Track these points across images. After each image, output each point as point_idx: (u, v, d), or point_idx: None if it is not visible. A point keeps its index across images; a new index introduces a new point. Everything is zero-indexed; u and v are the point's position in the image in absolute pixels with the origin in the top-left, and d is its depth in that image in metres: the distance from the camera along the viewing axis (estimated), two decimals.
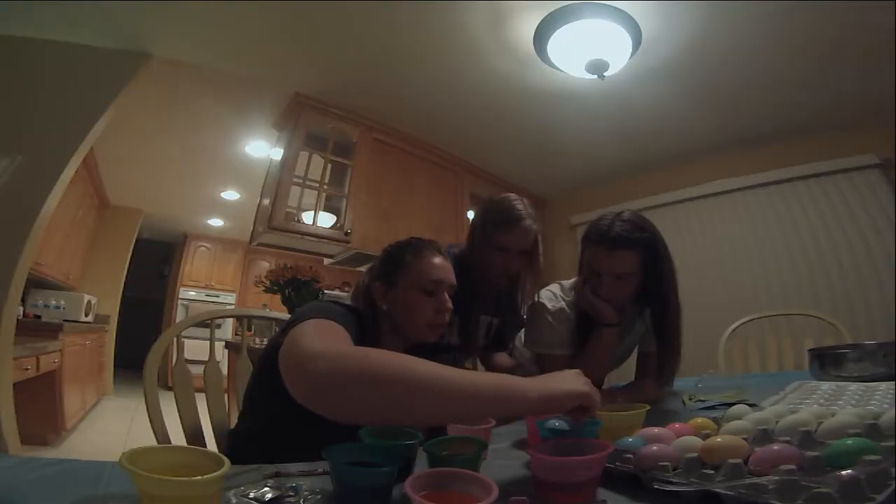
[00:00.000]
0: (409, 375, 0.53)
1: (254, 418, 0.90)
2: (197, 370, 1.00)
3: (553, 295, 1.26)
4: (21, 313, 3.22)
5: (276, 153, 2.93)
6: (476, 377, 0.57)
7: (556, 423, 0.63)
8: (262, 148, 3.36)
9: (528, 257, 1.20)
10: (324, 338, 0.67)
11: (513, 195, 1.22)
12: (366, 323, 0.93)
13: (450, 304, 0.96)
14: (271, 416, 0.86)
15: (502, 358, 1.41)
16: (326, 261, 3.38)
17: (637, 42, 2.14)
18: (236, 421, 0.95)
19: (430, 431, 0.70)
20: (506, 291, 1.29)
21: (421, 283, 0.95)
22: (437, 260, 0.98)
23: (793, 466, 0.46)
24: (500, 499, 0.41)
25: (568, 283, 1.30)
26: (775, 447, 0.51)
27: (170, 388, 1.02)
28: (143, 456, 0.40)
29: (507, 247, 1.16)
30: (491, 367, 1.38)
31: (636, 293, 1.15)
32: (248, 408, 0.92)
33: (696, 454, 0.53)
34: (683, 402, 1.04)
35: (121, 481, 0.49)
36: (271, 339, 0.96)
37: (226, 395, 1.17)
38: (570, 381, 0.61)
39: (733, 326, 1.87)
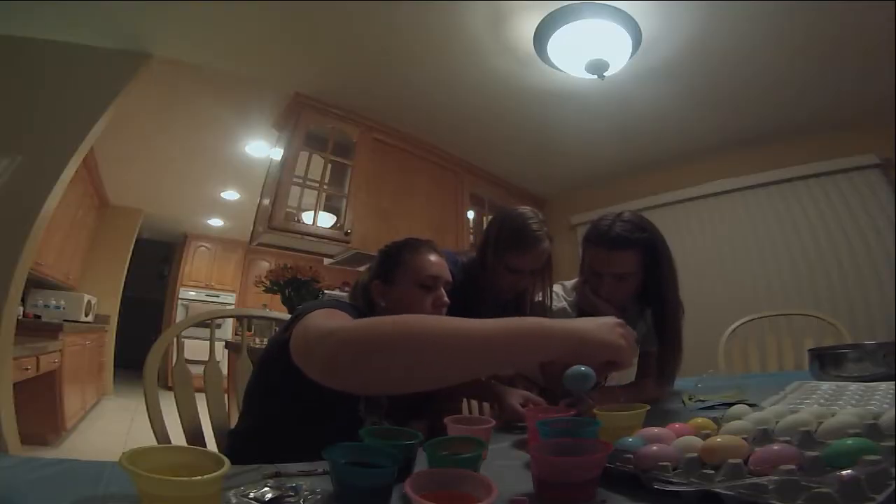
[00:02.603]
0: (422, 332, 0.53)
1: (254, 418, 0.90)
2: (197, 370, 1.00)
3: (555, 295, 1.26)
4: (21, 313, 3.21)
5: (276, 153, 2.93)
6: (495, 323, 0.55)
7: (582, 368, 0.59)
8: (262, 148, 3.36)
9: (540, 275, 1.19)
10: (335, 319, 0.67)
11: (528, 211, 1.17)
12: None
13: (446, 299, 0.98)
14: (271, 416, 0.86)
15: None
16: (326, 261, 3.38)
17: (637, 42, 2.14)
18: (236, 421, 0.95)
19: (430, 431, 0.70)
20: (512, 299, 1.27)
21: (418, 278, 0.96)
22: (434, 257, 0.99)
23: (793, 466, 0.46)
24: (500, 499, 0.41)
25: (570, 283, 1.30)
26: (775, 447, 0.51)
27: (170, 388, 1.02)
28: (143, 456, 0.40)
29: (519, 269, 1.13)
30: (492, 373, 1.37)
31: (637, 293, 1.15)
32: (247, 407, 0.93)
33: (696, 454, 0.52)
34: (683, 402, 1.04)
35: (121, 481, 0.49)
36: (272, 338, 0.96)
37: (226, 395, 1.17)
38: (604, 329, 0.56)
39: (733, 326, 1.87)
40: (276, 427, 0.84)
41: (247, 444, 0.86)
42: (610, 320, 0.59)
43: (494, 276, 1.15)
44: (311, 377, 0.58)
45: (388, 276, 0.99)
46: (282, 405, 0.85)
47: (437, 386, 0.57)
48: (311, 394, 0.78)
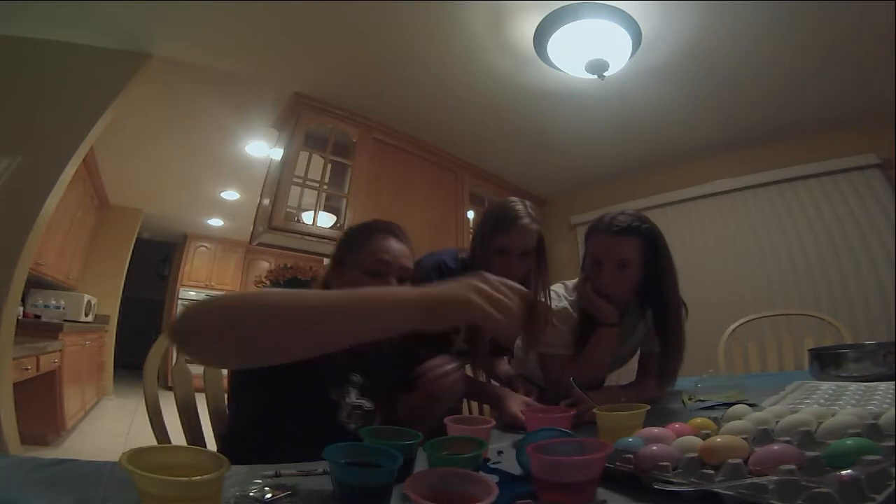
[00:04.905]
0: (267, 301, 0.52)
1: (233, 418, 0.90)
2: (197, 370, 1.00)
3: (556, 295, 1.25)
4: (21, 313, 3.21)
5: (276, 153, 2.93)
6: (344, 291, 0.54)
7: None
8: (262, 148, 3.36)
9: (532, 260, 1.17)
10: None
11: (513, 197, 1.20)
12: None
13: None
14: (246, 412, 0.87)
15: (502, 365, 1.40)
16: (326, 261, 3.37)
17: (637, 42, 2.14)
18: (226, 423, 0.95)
19: (429, 432, 0.70)
20: None
21: (367, 264, 0.88)
22: (389, 242, 0.90)
23: (793, 466, 0.46)
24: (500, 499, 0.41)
25: (571, 283, 1.30)
26: (775, 447, 0.51)
27: (170, 388, 1.02)
28: (143, 456, 0.40)
29: (506, 248, 1.13)
30: (492, 374, 1.37)
31: (636, 290, 1.15)
32: (232, 408, 0.93)
33: (696, 454, 0.53)
34: (683, 402, 1.04)
35: (121, 481, 0.49)
36: None
37: (226, 395, 1.17)
38: (455, 286, 0.52)
39: (733, 326, 1.87)
40: (254, 423, 0.84)
41: (232, 446, 0.85)
42: (469, 278, 0.54)
43: (487, 264, 1.14)
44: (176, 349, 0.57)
45: (341, 259, 0.93)
46: (253, 399, 0.86)
47: (291, 357, 0.54)
48: (274, 382, 0.78)
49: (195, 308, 0.52)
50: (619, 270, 1.10)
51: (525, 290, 0.56)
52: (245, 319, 0.51)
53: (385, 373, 0.95)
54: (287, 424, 0.80)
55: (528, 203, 1.18)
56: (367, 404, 0.89)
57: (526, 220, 1.13)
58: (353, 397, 0.87)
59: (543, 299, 1.21)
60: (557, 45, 2.13)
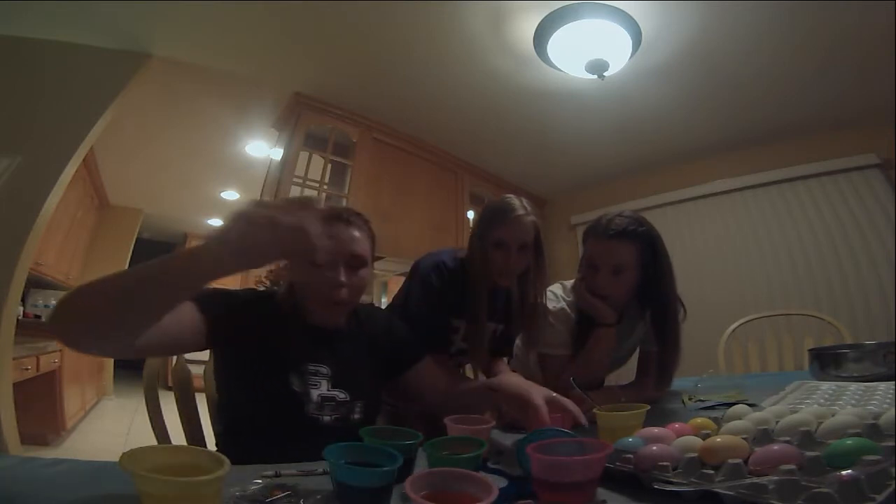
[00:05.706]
0: (92, 284, 0.55)
1: (227, 415, 0.90)
2: (197, 370, 1.00)
3: (554, 295, 1.25)
4: (21, 313, 3.21)
5: (276, 153, 2.93)
6: (157, 260, 0.56)
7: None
8: (262, 148, 3.36)
9: (531, 255, 1.16)
10: None
11: (510, 195, 1.20)
12: (265, 306, 0.87)
13: (343, 278, 0.85)
14: (234, 407, 0.86)
15: (501, 365, 1.40)
16: None
17: (637, 42, 2.14)
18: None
19: (429, 432, 0.70)
20: (517, 299, 1.24)
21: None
22: (335, 228, 0.86)
23: (793, 466, 0.46)
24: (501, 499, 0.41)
25: (569, 283, 1.30)
26: (775, 447, 0.51)
27: (170, 388, 1.02)
28: (143, 456, 0.40)
29: (503, 241, 1.13)
30: (492, 375, 1.36)
31: (634, 292, 1.15)
32: (220, 405, 0.93)
33: (696, 454, 0.53)
34: (683, 402, 1.04)
35: (121, 481, 0.49)
36: None
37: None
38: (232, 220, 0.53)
39: (733, 326, 1.87)
40: (238, 419, 0.84)
41: (229, 443, 0.85)
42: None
43: (483, 257, 1.15)
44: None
45: None
46: (230, 393, 0.87)
47: (138, 324, 0.57)
48: (244, 375, 0.81)
49: (58, 302, 0.56)
50: (614, 275, 1.11)
51: (312, 199, 0.57)
52: (84, 302, 0.55)
53: (359, 362, 0.92)
54: (260, 418, 0.80)
55: (524, 200, 1.18)
56: (340, 395, 0.86)
57: (521, 212, 1.13)
58: (323, 388, 0.84)
59: (541, 299, 1.21)
60: (557, 45, 2.13)
